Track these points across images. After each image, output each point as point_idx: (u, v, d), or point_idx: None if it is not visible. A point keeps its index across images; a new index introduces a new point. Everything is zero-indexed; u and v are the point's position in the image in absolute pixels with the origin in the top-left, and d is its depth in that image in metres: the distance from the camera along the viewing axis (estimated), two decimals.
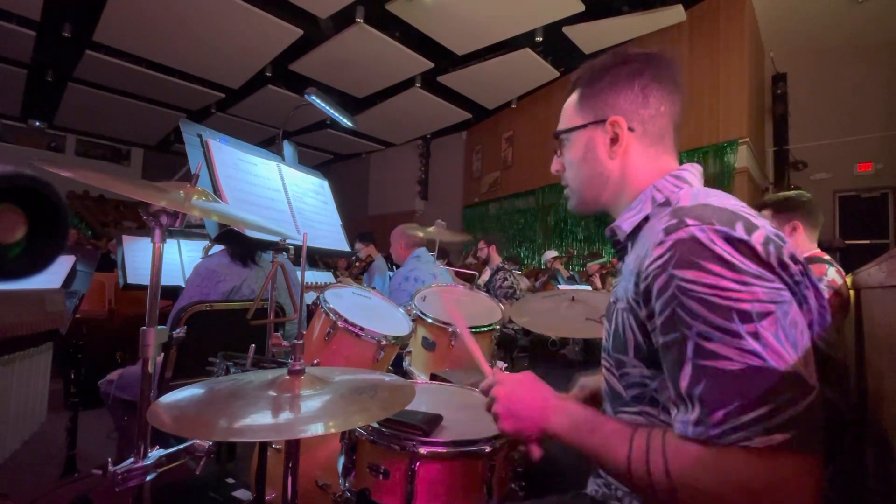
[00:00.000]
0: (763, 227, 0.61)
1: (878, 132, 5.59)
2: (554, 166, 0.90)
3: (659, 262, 0.62)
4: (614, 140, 0.79)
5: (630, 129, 0.79)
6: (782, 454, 0.52)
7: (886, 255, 1.24)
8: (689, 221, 0.61)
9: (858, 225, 5.61)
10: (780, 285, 0.57)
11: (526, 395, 0.78)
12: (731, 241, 0.58)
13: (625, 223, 0.79)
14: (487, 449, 0.98)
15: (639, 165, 0.79)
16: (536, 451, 0.75)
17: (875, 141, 5.60)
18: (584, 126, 0.82)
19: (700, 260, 0.58)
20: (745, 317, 0.54)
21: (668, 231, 0.62)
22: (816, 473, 0.53)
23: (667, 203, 0.74)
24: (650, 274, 0.63)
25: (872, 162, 5.61)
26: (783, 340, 0.54)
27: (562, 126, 0.87)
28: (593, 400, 0.98)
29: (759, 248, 0.58)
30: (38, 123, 9.57)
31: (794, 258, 0.60)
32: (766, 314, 0.55)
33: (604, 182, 0.82)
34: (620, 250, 0.82)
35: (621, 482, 0.69)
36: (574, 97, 0.86)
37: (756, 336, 0.54)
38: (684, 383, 0.57)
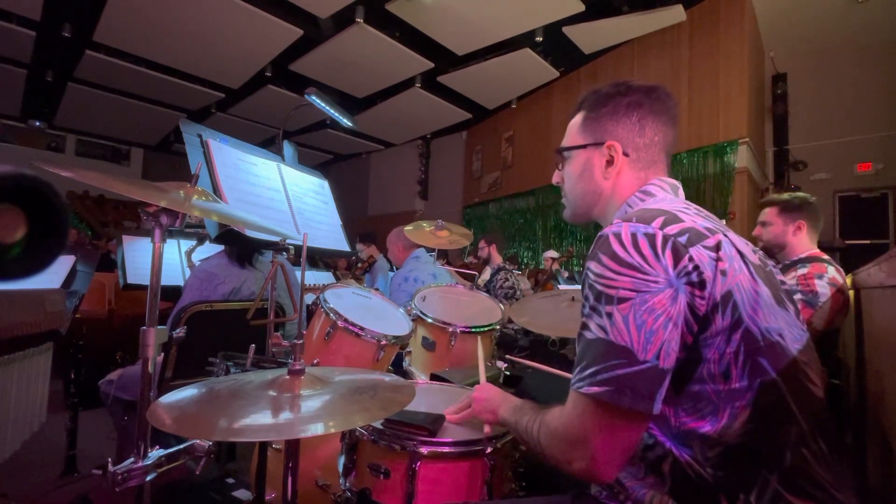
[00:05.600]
0: (687, 224, 0.70)
1: (878, 132, 5.58)
2: (555, 178, 1.00)
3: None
4: (609, 162, 0.88)
5: (625, 154, 0.87)
6: (593, 403, 0.67)
7: (886, 255, 1.24)
8: (615, 221, 0.73)
9: (858, 225, 5.60)
10: (656, 278, 0.67)
11: (490, 389, 1.03)
12: (633, 234, 0.69)
13: None
14: (488, 449, 0.98)
15: (627, 186, 0.88)
16: (488, 430, 0.99)
17: (875, 141, 5.59)
18: (584, 146, 0.91)
19: (599, 252, 0.71)
20: (609, 300, 0.68)
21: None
22: (617, 432, 0.66)
23: None
24: None
25: (872, 162, 5.60)
26: (629, 322, 0.66)
27: (565, 143, 0.96)
28: None
29: (658, 240, 0.68)
30: (38, 123, 9.55)
31: (697, 258, 0.68)
32: (624, 300, 0.67)
33: (596, 198, 0.91)
34: None
35: (536, 451, 0.80)
36: (578, 118, 0.94)
37: (609, 315, 0.67)
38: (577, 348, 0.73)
